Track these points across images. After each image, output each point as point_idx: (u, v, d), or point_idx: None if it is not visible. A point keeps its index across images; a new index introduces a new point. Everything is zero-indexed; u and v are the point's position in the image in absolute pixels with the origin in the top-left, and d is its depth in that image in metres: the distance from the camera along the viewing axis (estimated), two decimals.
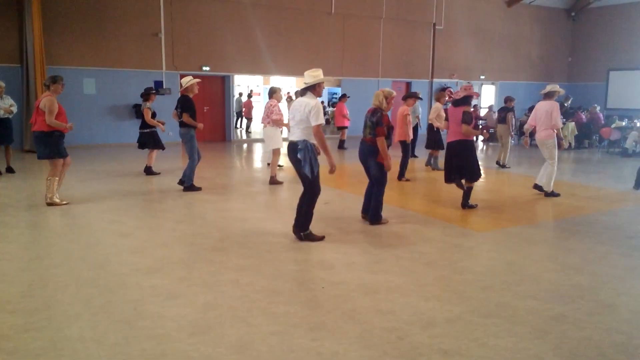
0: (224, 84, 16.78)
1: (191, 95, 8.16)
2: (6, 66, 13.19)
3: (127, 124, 14.67)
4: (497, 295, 4.18)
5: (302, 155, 5.38)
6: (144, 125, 9.79)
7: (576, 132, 16.16)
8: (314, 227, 5.75)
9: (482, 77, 21.30)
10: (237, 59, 16.24)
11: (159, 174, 9.87)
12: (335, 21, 17.69)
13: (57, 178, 7.11)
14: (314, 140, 5.46)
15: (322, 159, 5.58)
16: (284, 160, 11.75)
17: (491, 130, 17.37)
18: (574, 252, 5.43)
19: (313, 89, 5.46)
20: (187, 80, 8.16)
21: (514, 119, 12.03)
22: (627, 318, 3.79)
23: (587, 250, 5.47)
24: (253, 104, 21.96)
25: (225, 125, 17.14)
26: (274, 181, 9.07)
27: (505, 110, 11.76)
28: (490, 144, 17.62)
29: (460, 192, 7.45)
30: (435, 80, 20.15)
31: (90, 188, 8.44)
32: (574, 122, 16.25)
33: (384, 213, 6.50)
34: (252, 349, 3.23)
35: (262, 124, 9.61)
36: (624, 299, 4.17)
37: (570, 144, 16.04)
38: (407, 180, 9.65)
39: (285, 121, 9.42)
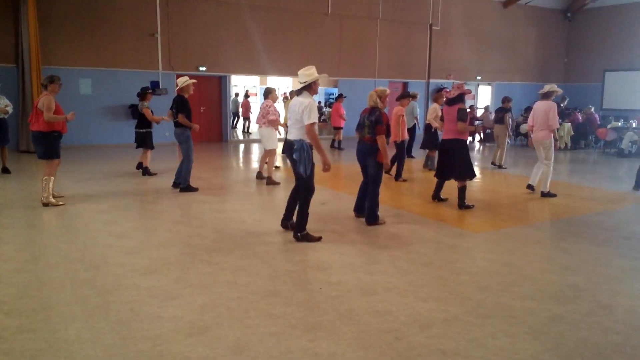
0: (221, 84, 16.75)
1: (186, 96, 8.13)
2: (1, 66, 13.13)
3: (123, 125, 14.63)
4: (494, 295, 4.18)
5: (297, 155, 5.45)
6: (140, 125, 9.82)
7: (572, 133, 16.21)
8: (310, 228, 5.76)
9: (479, 77, 21.34)
10: (233, 59, 16.22)
11: (156, 174, 9.85)
12: (332, 22, 17.70)
13: (52, 178, 7.12)
14: (309, 140, 5.49)
15: (317, 158, 5.57)
16: (279, 161, 11.75)
17: (488, 131, 17.46)
18: (571, 252, 5.44)
19: (309, 87, 5.50)
20: (184, 80, 8.14)
21: (511, 120, 12.06)
22: (624, 318, 3.80)
23: (583, 251, 5.48)
24: (250, 104, 21.95)
25: (222, 126, 17.11)
26: (270, 181, 9.07)
27: (502, 110, 11.79)
28: (487, 144, 17.65)
29: (452, 191, 7.53)
30: (431, 80, 20.18)
31: (87, 189, 8.41)
32: (570, 123, 16.31)
33: (380, 213, 6.50)
34: (249, 349, 3.22)
35: (258, 125, 9.64)
36: (621, 299, 4.18)
37: (566, 144, 16.09)
38: (404, 180, 9.66)
39: (282, 121, 9.51)
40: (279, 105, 11.72)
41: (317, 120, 5.38)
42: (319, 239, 5.64)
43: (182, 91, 8.12)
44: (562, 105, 17.39)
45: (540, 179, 8.46)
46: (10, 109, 9.74)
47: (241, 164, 12.77)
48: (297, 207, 5.77)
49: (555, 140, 8.19)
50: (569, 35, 23.43)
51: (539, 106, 8.18)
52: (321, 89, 28.41)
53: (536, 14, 22.34)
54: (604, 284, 4.51)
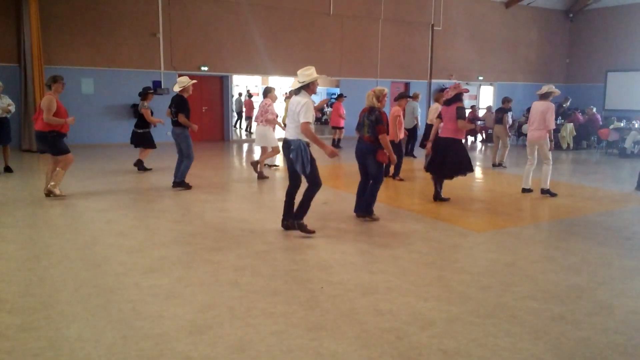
0: (222, 84, 16.77)
1: (186, 96, 8.17)
2: (4, 66, 13.16)
3: (125, 124, 14.63)
4: (496, 295, 4.18)
5: (294, 155, 5.53)
6: (139, 125, 9.88)
7: (575, 133, 16.19)
8: (312, 226, 5.78)
9: (480, 78, 21.32)
10: (235, 59, 16.23)
11: (150, 170, 10.02)
12: (333, 22, 17.70)
13: (65, 171, 7.46)
14: (307, 139, 5.54)
15: (321, 157, 5.58)
16: (280, 160, 11.75)
17: (490, 131, 17.44)
18: (572, 252, 5.43)
19: (307, 87, 5.56)
20: (186, 81, 8.17)
21: (509, 120, 12.06)
22: (625, 319, 3.79)
23: (585, 251, 5.48)
24: (253, 104, 21.98)
25: (224, 125, 17.13)
26: (261, 176, 9.38)
27: (502, 111, 11.81)
28: (489, 144, 17.63)
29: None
30: (433, 81, 20.18)
31: (88, 187, 8.43)
32: (572, 123, 16.28)
33: (381, 213, 6.51)
34: (250, 349, 3.22)
35: (256, 122, 9.77)
36: (622, 299, 4.17)
37: (568, 144, 16.07)
38: (401, 179, 9.65)
39: (280, 120, 9.61)
40: (280, 105, 11.74)
41: (312, 120, 5.42)
42: (313, 232, 5.76)
43: (183, 91, 8.15)
44: (564, 105, 17.36)
45: (530, 179, 8.53)
46: (12, 108, 9.77)
47: (243, 163, 12.77)
48: (293, 205, 5.86)
49: (550, 140, 8.20)
50: (571, 35, 23.40)
51: (537, 106, 8.21)
52: (323, 89, 28.41)
53: (538, 15, 22.31)
54: (606, 284, 4.50)
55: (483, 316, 3.76)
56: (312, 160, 5.58)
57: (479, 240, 5.84)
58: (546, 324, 3.66)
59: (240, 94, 22.37)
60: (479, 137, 18.96)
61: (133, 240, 5.57)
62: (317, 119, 25.30)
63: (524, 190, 8.58)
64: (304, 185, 5.86)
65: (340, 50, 18.02)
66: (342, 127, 14.99)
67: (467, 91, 7.85)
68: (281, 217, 6.03)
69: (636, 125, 15.37)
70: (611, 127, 15.60)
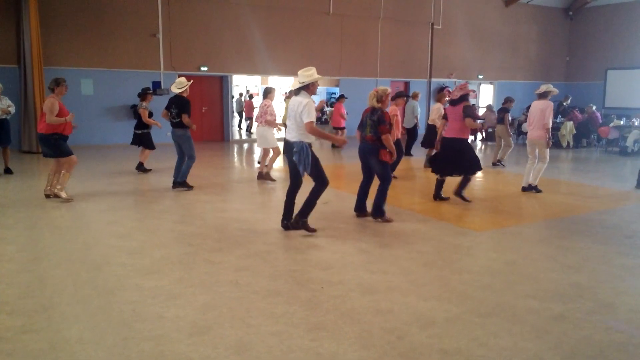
0: (222, 84, 16.77)
1: (185, 96, 8.18)
2: (4, 67, 13.16)
3: (125, 125, 14.63)
4: (496, 294, 4.17)
5: (297, 157, 5.52)
6: (139, 126, 9.90)
7: (574, 132, 16.17)
8: (312, 225, 5.78)
9: (480, 76, 21.30)
10: (235, 59, 16.22)
11: (150, 170, 10.02)
12: (333, 21, 17.69)
13: (69, 174, 7.50)
14: (309, 140, 5.54)
15: (323, 158, 5.58)
16: (280, 160, 11.73)
17: (489, 130, 17.43)
18: (573, 251, 5.43)
19: (307, 87, 5.56)
20: (186, 82, 8.17)
21: (509, 119, 12.04)
22: (627, 317, 3.79)
23: (585, 250, 5.47)
24: (253, 104, 21.98)
25: (224, 125, 17.12)
26: (267, 177, 9.26)
27: (504, 110, 11.77)
28: (489, 143, 17.62)
29: (467, 193, 7.60)
30: (433, 79, 20.16)
31: (88, 189, 8.43)
32: (571, 121, 16.27)
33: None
34: (251, 349, 3.22)
35: (257, 123, 9.71)
36: (623, 298, 4.17)
37: (568, 142, 16.06)
38: (395, 177, 9.62)
39: (279, 121, 9.55)
40: (279, 105, 11.69)
41: (314, 119, 5.43)
42: (314, 230, 5.79)
43: (183, 92, 8.14)
44: (564, 104, 17.35)
45: (530, 173, 8.57)
46: (12, 110, 9.76)
47: (243, 164, 12.77)
48: (293, 205, 5.88)
49: (548, 138, 8.20)
50: (571, 33, 23.38)
51: (536, 105, 8.24)
52: (322, 89, 28.38)
53: (538, 13, 22.29)
54: (607, 283, 4.50)
55: (484, 315, 3.76)
56: (316, 160, 5.57)
57: (479, 240, 5.84)
58: (547, 323, 3.66)
59: (240, 94, 22.36)
60: (479, 136, 18.94)
61: (133, 241, 5.57)
62: (317, 119, 25.25)
63: (524, 189, 8.57)
64: (305, 186, 5.85)
65: (340, 50, 18.01)
66: (344, 128, 14.95)
67: (474, 92, 7.85)
68: (281, 217, 6.03)
69: (637, 124, 15.35)
70: (611, 125, 15.59)
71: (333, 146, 15.22)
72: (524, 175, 8.71)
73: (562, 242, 5.78)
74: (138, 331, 3.44)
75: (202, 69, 15.72)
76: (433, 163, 7.97)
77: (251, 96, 22.43)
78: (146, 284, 4.29)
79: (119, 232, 5.93)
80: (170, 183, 8.58)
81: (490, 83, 22.10)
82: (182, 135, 8.18)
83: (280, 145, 9.30)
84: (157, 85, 15.02)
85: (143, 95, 9.85)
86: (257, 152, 14.51)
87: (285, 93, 22.28)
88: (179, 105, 8.07)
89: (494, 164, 11.80)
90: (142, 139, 9.91)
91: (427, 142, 11.22)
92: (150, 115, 9.91)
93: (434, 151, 11.16)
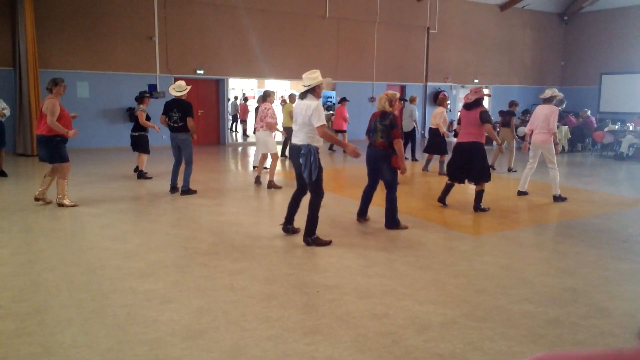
0: (218, 87, 16.76)
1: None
2: None
3: (120, 127, 14.61)
4: (492, 298, 4.18)
5: (303, 160, 5.37)
6: (135, 128, 9.81)
7: (569, 136, 16.25)
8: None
9: (476, 80, 21.37)
10: (231, 63, 16.23)
11: (151, 178, 9.81)
12: (329, 25, 17.72)
13: (66, 180, 7.26)
14: (317, 144, 5.41)
15: (325, 162, 5.56)
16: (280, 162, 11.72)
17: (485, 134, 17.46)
18: (568, 255, 5.44)
19: (313, 90, 5.46)
20: (185, 87, 8.04)
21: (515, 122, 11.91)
22: (621, 321, 3.80)
23: (580, 254, 5.49)
24: (248, 108, 21.97)
25: (220, 129, 17.11)
26: (272, 185, 8.95)
27: (510, 114, 11.56)
28: (486, 147, 17.64)
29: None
30: (429, 83, 20.22)
31: (83, 192, 8.39)
32: (566, 126, 16.34)
33: (377, 216, 6.50)
34: (246, 353, 3.21)
35: (255, 128, 9.44)
36: (618, 302, 4.18)
37: (563, 147, 16.11)
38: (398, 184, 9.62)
39: (279, 125, 9.39)
40: (276, 109, 11.60)
41: (325, 122, 5.35)
42: (329, 242, 5.59)
43: (183, 96, 8.02)
44: (560, 108, 17.40)
45: (528, 177, 8.49)
46: (7, 112, 9.72)
47: (239, 167, 12.76)
48: (297, 210, 5.80)
49: (556, 144, 8.13)
50: (566, 38, 23.52)
51: (541, 110, 8.14)
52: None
53: (533, 18, 22.42)
54: (602, 287, 4.51)
55: (479, 319, 3.76)
56: (320, 169, 5.42)
57: (475, 244, 5.84)
58: (542, 327, 3.66)
59: (235, 98, 22.34)
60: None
61: (128, 244, 5.55)
62: None
63: (520, 193, 8.57)
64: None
65: (336, 53, 18.05)
66: (346, 131, 14.85)
67: (489, 95, 7.72)
68: (277, 220, 6.02)
69: (631, 128, 15.44)
70: (606, 129, 15.66)
71: (330, 148, 15.19)
72: (520, 179, 8.67)
73: (557, 247, 5.79)
74: (132, 335, 3.42)
75: (198, 72, 15.72)
76: (448, 168, 7.67)
77: (246, 99, 22.41)
78: (141, 288, 4.27)
79: (113, 235, 5.90)
80: (166, 187, 8.54)
81: (486, 87, 22.16)
82: (185, 139, 8.01)
83: (278, 148, 9.35)
84: (153, 88, 15.00)
85: (141, 98, 9.81)
86: (252, 155, 14.50)
87: (282, 97, 22.31)
88: (181, 109, 7.90)
89: (491, 167, 11.62)
90: (139, 141, 9.80)
91: (430, 147, 11.00)
92: (148, 119, 9.79)
93: (435, 156, 11.15)
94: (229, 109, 18.25)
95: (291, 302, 4.02)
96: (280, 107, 16.13)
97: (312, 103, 5.35)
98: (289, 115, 12.82)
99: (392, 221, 6.25)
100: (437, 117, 10.75)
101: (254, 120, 9.82)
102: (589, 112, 17.25)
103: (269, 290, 4.26)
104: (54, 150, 7.05)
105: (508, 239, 6.03)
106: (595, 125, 16.79)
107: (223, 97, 16.85)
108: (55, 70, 13.45)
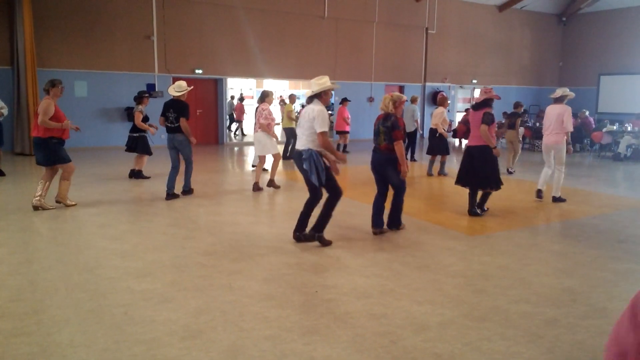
0: (217, 87, 16.75)
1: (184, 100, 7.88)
2: None
3: (118, 127, 14.59)
4: (490, 299, 4.17)
5: (307, 165, 5.29)
6: (134, 129, 9.61)
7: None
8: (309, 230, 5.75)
9: (474, 81, 21.40)
10: (229, 62, 16.21)
11: (149, 178, 9.72)
12: (328, 25, 17.72)
13: (69, 182, 7.14)
14: (318, 148, 5.32)
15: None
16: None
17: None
18: (566, 255, 5.44)
19: (319, 96, 5.39)
20: (185, 87, 7.85)
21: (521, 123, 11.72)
22: None
23: (578, 254, 5.49)
24: (245, 107, 21.91)
25: (218, 128, 17.10)
26: (272, 184, 8.87)
27: (515, 115, 11.37)
28: (502, 148, 17.62)
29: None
30: (427, 84, 20.23)
31: (81, 191, 8.37)
32: None
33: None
34: (244, 353, 3.20)
35: (254, 129, 9.15)
36: (616, 302, 4.18)
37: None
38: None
39: (277, 128, 9.08)
40: (274, 109, 11.48)
41: (327, 129, 5.25)
42: (330, 243, 5.57)
43: (181, 96, 7.84)
44: None
45: (546, 182, 8.31)
46: (4, 112, 9.70)
47: (237, 167, 12.75)
48: (308, 220, 5.63)
49: (569, 143, 7.96)
50: (564, 39, 23.55)
51: (552, 110, 7.98)
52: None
53: (531, 18, 22.45)
54: (599, 287, 4.51)
55: (477, 320, 3.76)
56: (328, 169, 5.34)
57: (473, 244, 5.84)
58: (540, 327, 3.66)
59: (232, 97, 22.31)
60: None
61: (126, 244, 5.54)
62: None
63: (539, 192, 8.32)
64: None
65: (335, 54, 18.05)
66: (347, 132, 14.73)
67: (499, 97, 7.11)
68: (275, 220, 6.01)
69: (629, 129, 15.46)
70: (604, 130, 15.68)
71: (344, 150, 14.84)
72: (540, 178, 8.41)
73: (555, 247, 5.79)
74: (130, 334, 3.41)
75: (197, 71, 15.70)
76: (458, 173, 7.33)
77: (242, 99, 22.37)
78: (138, 287, 4.26)
79: (111, 234, 5.89)
80: (164, 186, 8.42)
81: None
82: (183, 140, 7.79)
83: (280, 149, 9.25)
84: (151, 87, 14.98)
85: (139, 98, 9.64)
86: (251, 156, 14.48)
87: (281, 96, 22.29)
88: (177, 109, 7.70)
89: (508, 172, 11.29)
90: (138, 142, 9.59)
91: (432, 149, 10.81)
92: (146, 119, 9.59)
93: (438, 157, 11.01)
94: (226, 108, 18.19)
95: (289, 302, 4.01)
96: (279, 107, 16.07)
97: (317, 108, 5.29)
98: (288, 116, 12.76)
99: (394, 221, 6.18)
100: (437, 117, 10.66)
101: (253, 121, 9.57)
102: (587, 113, 17.25)
103: (267, 290, 4.25)
104: (50, 152, 6.85)
105: (506, 239, 6.03)
106: (594, 126, 16.81)
107: (221, 97, 16.84)
108: (53, 70, 13.43)
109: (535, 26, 22.69)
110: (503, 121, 12.43)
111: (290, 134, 12.68)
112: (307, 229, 5.63)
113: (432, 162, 10.98)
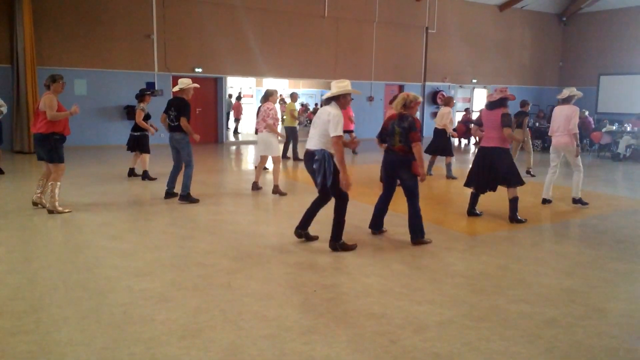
0: (217, 85, 16.74)
1: (187, 99, 7.66)
2: None
3: (118, 126, 14.59)
4: (489, 299, 4.18)
5: (317, 165, 5.21)
6: (136, 127, 9.50)
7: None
8: (309, 230, 5.74)
9: (474, 80, 21.40)
10: (229, 61, 16.21)
11: (156, 179, 9.48)
12: (328, 24, 17.71)
13: (59, 183, 6.84)
14: (332, 150, 5.23)
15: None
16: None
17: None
18: (565, 256, 5.45)
19: (337, 99, 5.27)
20: (187, 82, 7.66)
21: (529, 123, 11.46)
22: (618, 322, 3.80)
23: (577, 254, 5.49)
24: (242, 106, 21.94)
25: (217, 127, 17.09)
26: (277, 190, 8.40)
27: (522, 114, 11.01)
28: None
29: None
30: (427, 83, 20.23)
31: (80, 190, 8.37)
32: None
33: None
34: (243, 352, 3.20)
35: (257, 128, 8.90)
36: (615, 303, 4.18)
37: None
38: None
39: (279, 126, 8.76)
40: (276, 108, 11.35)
41: (342, 134, 5.13)
42: (354, 247, 5.45)
43: (183, 93, 7.63)
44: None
45: (551, 188, 8.19)
46: (4, 109, 9.68)
47: (237, 166, 12.74)
48: (313, 217, 5.60)
49: (577, 145, 7.81)
50: (564, 39, 23.55)
51: (560, 111, 7.83)
52: (316, 91, 28.36)
53: (532, 18, 22.44)
54: (598, 288, 4.51)
55: (476, 320, 3.76)
56: (336, 173, 5.22)
57: (473, 244, 5.84)
58: (539, 327, 3.66)
59: (230, 96, 22.33)
60: (472, 140, 18.99)
61: (125, 243, 5.53)
62: (311, 121, 25.20)
63: (544, 201, 8.16)
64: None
65: (335, 53, 18.04)
66: (352, 131, 14.59)
67: (514, 98, 6.88)
68: (274, 219, 6.00)
69: (628, 129, 15.47)
70: (604, 130, 15.69)
71: (354, 152, 14.63)
72: (544, 186, 8.26)
73: (554, 247, 5.79)
74: (129, 334, 3.41)
75: (197, 70, 15.69)
76: (468, 175, 7.17)
77: (239, 97, 22.38)
78: (137, 286, 4.26)
79: (110, 234, 5.89)
80: (164, 186, 8.35)
81: (484, 87, 22.21)
82: (181, 139, 7.61)
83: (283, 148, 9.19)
84: (151, 86, 14.97)
85: (141, 96, 9.52)
86: (250, 154, 14.49)
87: (281, 95, 22.26)
88: (178, 108, 7.54)
89: (528, 172, 11.01)
90: (139, 140, 9.48)
91: (435, 149, 10.48)
92: (148, 117, 9.48)
93: (439, 158, 10.80)
94: (225, 107, 18.20)
95: (288, 302, 4.01)
96: (279, 105, 16.02)
97: (333, 111, 5.17)
98: (291, 114, 12.68)
99: (417, 231, 5.71)
100: (444, 117, 10.28)
101: (254, 120, 9.30)
102: (586, 113, 17.25)
103: (266, 290, 4.25)
104: (52, 149, 6.75)
105: (505, 240, 6.04)
106: (593, 126, 16.81)
107: (221, 95, 16.84)
108: (53, 68, 13.40)
109: (536, 26, 22.68)
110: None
111: (291, 133, 12.63)
112: (302, 228, 5.60)
113: (432, 163, 10.75)
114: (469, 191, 7.35)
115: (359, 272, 4.75)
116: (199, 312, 3.78)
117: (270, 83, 23.70)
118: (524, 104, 11.27)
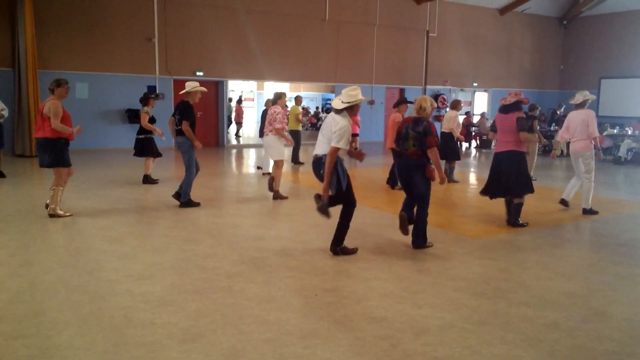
0: (218, 89, 16.76)
1: (191, 102, 7.57)
2: None
3: (119, 129, 14.61)
4: (490, 302, 4.17)
5: (324, 171, 5.12)
6: (140, 131, 9.43)
7: (568, 140, 16.22)
8: (310, 233, 5.75)
9: (475, 84, 21.41)
10: (230, 64, 16.23)
11: (157, 181, 9.50)
12: (329, 27, 17.74)
13: (61, 188, 6.75)
14: (342, 156, 5.18)
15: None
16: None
17: (484, 137, 17.50)
18: (566, 259, 5.44)
19: (350, 108, 5.19)
20: (193, 85, 7.58)
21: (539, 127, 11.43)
22: (619, 325, 3.79)
23: (578, 258, 5.49)
24: (243, 109, 21.96)
25: (219, 131, 17.11)
26: (277, 195, 8.28)
27: (531, 118, 10.64)
28: (483, 150, 17.69)
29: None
30: (428, 87, 20.23)
31: (81, 194, 8.38)
32: None
33: (375, 220, 6.47)
34: (244, 356, 3.20)
35: (264, 132, 8.62)
36: (616, 306, 4.17)
37: (562, 151, 16.12)
38: (401, 189, 9.50)
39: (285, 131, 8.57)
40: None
41: (344, 147, 5.05)
42: (355, 250, 5.43)
43: (188, 96, 7.54)
44: (558, 112, 17.45)
45: (573, 192, 8.08)
46: (5, 113, 9.69)
47: (238, 169, 12.75)
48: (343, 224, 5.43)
49: (598, 150, 7.67)
50: (565, 42, 23.56)
51: (575, 116, 7.74)
52: (317, 95, 28.39)
53: (532, 21, 22.46)
54: (599, 291, 4.51)
55: (477, 323, 3.75)
56: (347, 177, 5.16)
57: (473, 247, 5.84)
58: (540, 331, 3.66)
59: (230, 99, 22.36)
60: (474, 143, 19.01)
61: (126, 246, 5.54)
62: (312, 125, 25.24)
63: (562, 202, 8.08)
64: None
65: (336, 56, 18.06)
66: (357, 135, 14.51)
67: (528, 101, 6.80)
68: (276, 223, 6.00)
69: (629, 132, 15.47)
70: (605, 133, 15.68)
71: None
72: (567, 187, 8.21)
73: (555, 250, 5.79)
74: (129, 337, 3.41)
75: (198, 73, 15.72)
76: (487, 184, 7.02)
77: (240, 101, 22.40)
78: (138, 290, 4.26)
79: (111, 237, 5.89)
80: (167, 190, 8.32)
81: (485, 91, 22.22)
82: (183, 143, 7.48)
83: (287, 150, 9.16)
84: (152, 89, 14.99)
85: (145, 99, 9.45)
86: (252, 158, 14.50)
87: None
88: (180, 111, 7.46)
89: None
90: (145, 144, 9.38)
91: (444, 154, 10.05)
92: (153, 121, 9.41)
93: (455, 162, 10.71)
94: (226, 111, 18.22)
95: (289, 305, 4.01)
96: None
97: (341, 121, 5.08)
98: (295, 118, 12.61)
99: (421, 237, 5.66)
100: (451, 121, 10.22)
101: (258, 124, 9.17)
102: None
103: (267, 293, 4.25)
104: (57, 153, 6.63)
105: (506, 243, 6.03)
106: None
107: (222, 99, 16.86)
108: (55, 71, 13.43)
109: (536, 29, 22.70)
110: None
111: (294, 137, 12.58)
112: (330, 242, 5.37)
113: (452, 168, 10.61)
114: (469, 194, 7.35)
115: (359, 275, 4.75)
116: (200, 315, 3.78)
117: (271, 86, 23.72)
118: (532, 107, 11.19)
